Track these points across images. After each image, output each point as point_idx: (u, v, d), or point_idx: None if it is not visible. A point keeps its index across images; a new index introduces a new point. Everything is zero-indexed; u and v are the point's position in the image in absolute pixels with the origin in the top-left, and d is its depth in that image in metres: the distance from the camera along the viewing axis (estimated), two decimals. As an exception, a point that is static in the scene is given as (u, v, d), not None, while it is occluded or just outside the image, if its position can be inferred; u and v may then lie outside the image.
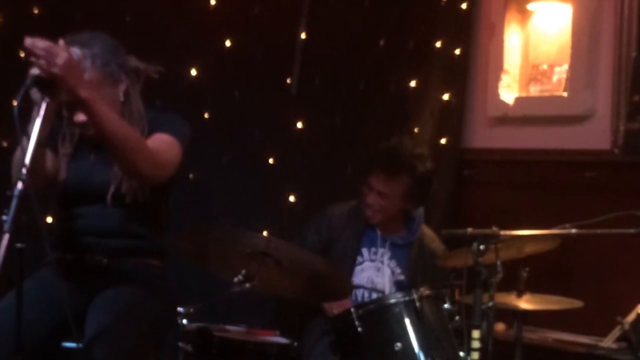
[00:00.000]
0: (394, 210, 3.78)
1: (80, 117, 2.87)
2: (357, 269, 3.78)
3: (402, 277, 3.77)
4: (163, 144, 2.95)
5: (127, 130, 2.80)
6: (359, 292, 3.77)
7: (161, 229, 3.11)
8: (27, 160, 2.43)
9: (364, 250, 3.80)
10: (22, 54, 2.67)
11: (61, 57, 2.59)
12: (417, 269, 3.76)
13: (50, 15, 4.34)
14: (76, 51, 2.79)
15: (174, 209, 3.18)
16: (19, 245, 2.34)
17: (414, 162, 3.72)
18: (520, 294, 3.46)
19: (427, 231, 3.89)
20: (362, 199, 3.79)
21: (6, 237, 2.31)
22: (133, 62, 3.06)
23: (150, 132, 3.00)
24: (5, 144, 4.27)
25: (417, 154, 3.79)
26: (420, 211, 3.87)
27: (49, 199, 3.00)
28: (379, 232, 3.80)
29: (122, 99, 2.99)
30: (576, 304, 3.51)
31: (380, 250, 3.79)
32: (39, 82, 2.59)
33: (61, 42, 2.70)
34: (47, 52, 2.58)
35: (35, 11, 4.36)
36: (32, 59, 2.58)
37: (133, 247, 3.02)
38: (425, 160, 3.78)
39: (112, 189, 2.95)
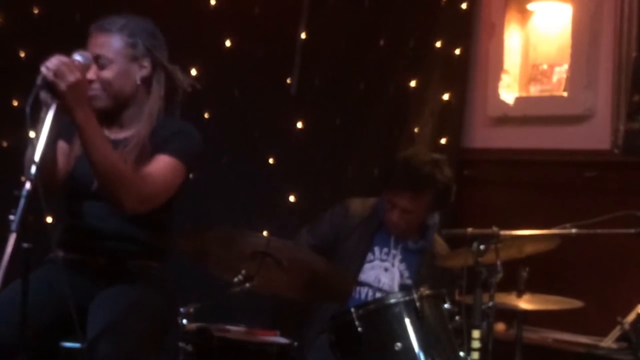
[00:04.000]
0: (418, 222, 3.77)
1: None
2: (367, 266, 3.77)
3: (409, 282, 3.76)
4: (160, 172, 2.92)
5: (115, 164, 2.76)
6: (364, 291, 3.77)
7: (163, 232, 3.12)
8: (36, 159, 2.43)
9: (376, 249, 3.79)
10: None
11: (72, 76, 2.60)
12: (426, 276, 3.74)
13: (50, 15, 4.35)
14: (86, 55, 2.80)
15: (174, 209, 3.18)
16: (25, 245, 2.34)
17: (434, 173, 3.66)
18: (520, 294, 3.46)
19: (439, 239, 3.87)
20: (383, 213, 3.75)
21: (13, 236, 2.31)
22: (170, 66, 3.09)
23: (157, 143, 2.98)
24: (5, 144, 4.28)
25: (434, 162, 3.71)
26: (436, 218, 3.84)
27: (53, 197, 3.00)
28: (392, 236, 3.79)
29: (138, 82, 3.01)
30: (576, 304, 3.51)
31: (392, 252, 3.79)
32: (49, 84, 2.59)
33: (76, 56, 2.72)
34: (61, 66, 2.59)
35: (35, 11, 4.36)
36: (43, 68, 2.58)
37: (134, 250, 3.02)
38: (443, 167, 3.71)
39: (95, 184, 2.93)
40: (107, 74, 2.97)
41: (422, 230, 3.82)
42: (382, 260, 3.79)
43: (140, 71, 3.03)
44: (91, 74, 2.92)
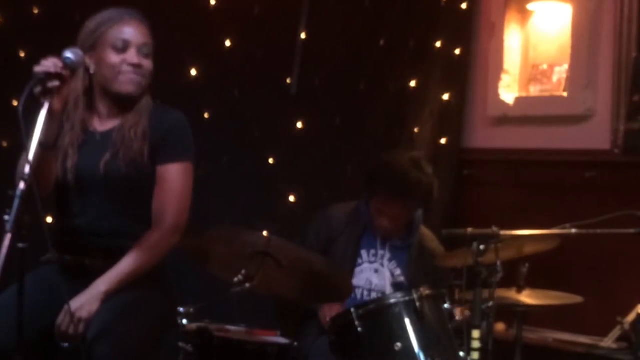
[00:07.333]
0: (405, 222, 3.77)
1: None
2: (356, 270, 3.77)
3: (401, 279, 3.76)
4: (178, 187, 2.99)
5: (141, 268, 2.93)
6: (358, 292, 3.77)
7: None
8: (30, 159, 2.43)
9: (363, 252, 3.79)
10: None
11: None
12: (417, 270, 3.75)
13: (50, 15, 4.34)
14: (78, 52, 2.78)
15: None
16: (20, 245, 2.34)
17: (420, 177, 3.65)
18: (520, 290, 3.46)
19: (426, 231, 3.88)
20: (368, 218, 3.75)
21: (8, 237, 2.31)
22: None
23: (157, 142, 2.99)
24: (5, 144, 4.28)
25: (416, 164, 3.69)
26: (419, 212, 3.85)
27: (49, 196, 2.99)
28: (378, 236, 3.79)
29: (149, 80, 3.05)
30: (576, 299, 3.51)
31: (380, 253, 3.78)
32: (43, 81, 2.58)
33: (67, 54, 2.70)
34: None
35: (35, 11, 4.36)
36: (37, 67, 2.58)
37: (131, 248, 3.01)
38: (424, 166, 3.70)
39: (104, 159, 2.95)
40: (150, 64, 3.02)
41: (408, 226, 3.83)
42: (371, 262, 3.78)
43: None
44: (135, 59, 2.95)
